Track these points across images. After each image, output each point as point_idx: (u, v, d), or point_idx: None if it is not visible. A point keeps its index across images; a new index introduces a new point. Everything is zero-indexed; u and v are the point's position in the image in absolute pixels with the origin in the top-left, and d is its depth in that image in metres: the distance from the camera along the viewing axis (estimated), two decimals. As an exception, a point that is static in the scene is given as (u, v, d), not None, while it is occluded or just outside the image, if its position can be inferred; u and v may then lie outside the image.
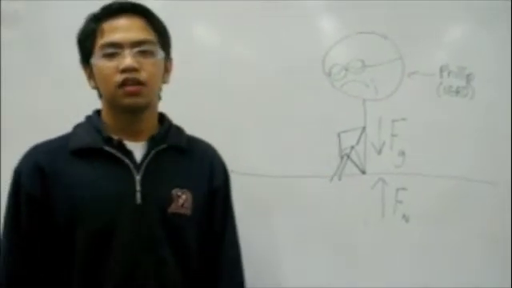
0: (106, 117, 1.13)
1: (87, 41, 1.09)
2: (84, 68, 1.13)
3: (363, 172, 1.49)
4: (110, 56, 1.05)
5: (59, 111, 1.39)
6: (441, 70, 1.48)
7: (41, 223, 1.06)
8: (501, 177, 1.46)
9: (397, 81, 1.48)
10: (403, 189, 1.48)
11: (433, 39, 1.48)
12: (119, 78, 1.04)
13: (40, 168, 1.07)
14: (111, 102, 1.09)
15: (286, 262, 1.52)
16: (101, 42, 1.06)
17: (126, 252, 1.06)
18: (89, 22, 1.10)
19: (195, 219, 1.14)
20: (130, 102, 1.06)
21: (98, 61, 1.07)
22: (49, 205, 1.06)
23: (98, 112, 1.16)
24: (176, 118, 1.16)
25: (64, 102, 1.43)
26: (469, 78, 1.47)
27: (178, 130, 1.19)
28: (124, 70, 1.04)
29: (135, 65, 1.04)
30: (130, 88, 1.05)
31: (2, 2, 1.42)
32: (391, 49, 1.48)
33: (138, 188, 1.07)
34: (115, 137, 1.09)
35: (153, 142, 1.12)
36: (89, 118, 1.15)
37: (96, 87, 1.12)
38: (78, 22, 1.11)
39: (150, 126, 1.14)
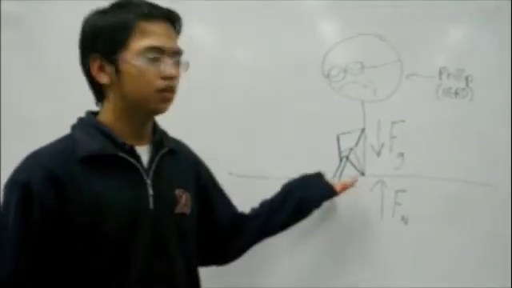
0: (112, 120, 1.08)
1: (120, 34, 1.02)
2: (97, 59, 1.05)
3: (362, 174, 1.48)
4: (153, 60, 1.03)
5: (59, 111, 1.39)
6: (440, 72, 1.47)
7: (56, 235, 1.00)
8: (500, 179, 1.45)
9: (396, 83, 1.48)
10: (402, 191, 1.48)
11: (431, 41, 1.47)
12: (161, 83, 1.04)
13: (54, 177, 0.99)
14: (139, 105, 1.06)
15: (285, 263, 1.51)
16: (143, 43, 1.02)
17: (145, 257, 1.05)
18: (120, 13, 1.04)
19: (193, 217, 1.18)
20: (163, 107, 1.08)
21: (138, 62, 1.03)
22: (66, 215, 0.99)
23: (92, 114, 1.11)
24: (174, 120, 1.15)
25: (64, 103, 1.43)
26: (468, 79, 1.47)
27: (167, 133, 1.20)
28: (166, 78, 1.05)
29: (177, 74, 1.06)
30: (168, 94, 1.06)
31: (2, 2, 1.42)
32: (390, 51, 1.48)
33: (151, 192, 1.08)
34: (128, 142, 1.07)
35: (156, 146, 1.13)
36: (88, 121, 1.10)
37: (109, 83, 1.05)
38: (78, 23, 1.08)
39: (150, 130, 1.14)
